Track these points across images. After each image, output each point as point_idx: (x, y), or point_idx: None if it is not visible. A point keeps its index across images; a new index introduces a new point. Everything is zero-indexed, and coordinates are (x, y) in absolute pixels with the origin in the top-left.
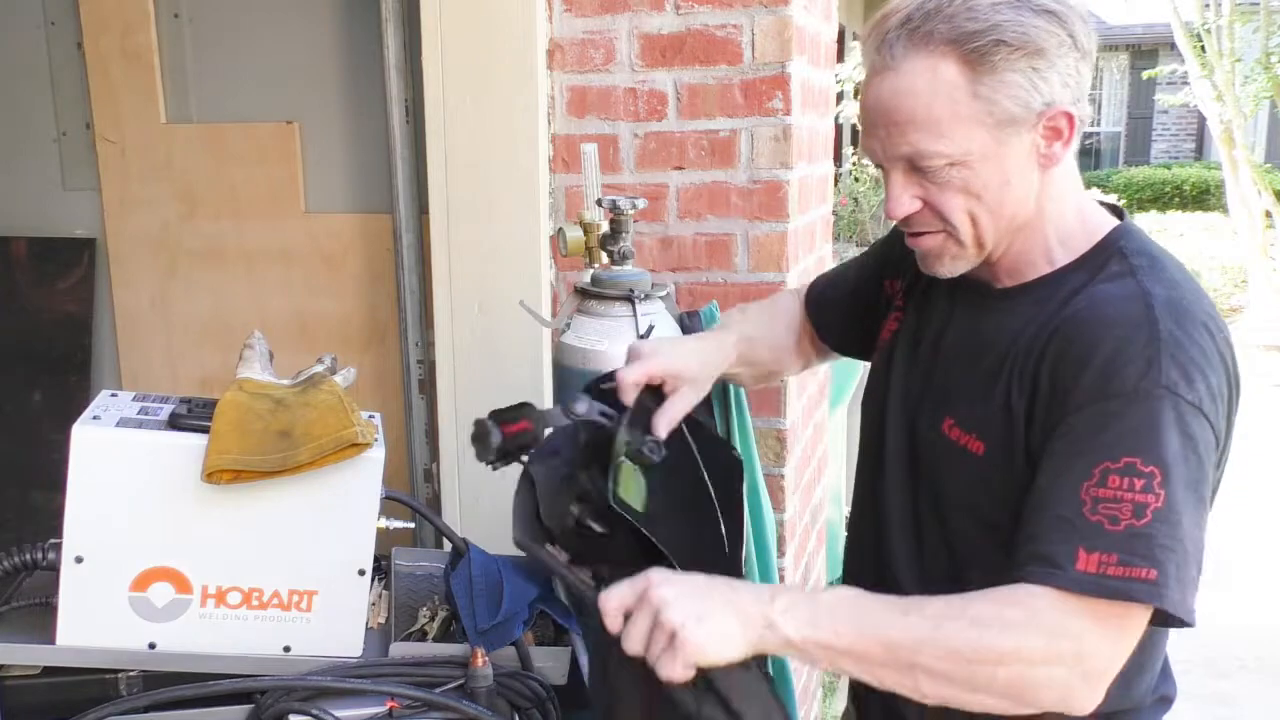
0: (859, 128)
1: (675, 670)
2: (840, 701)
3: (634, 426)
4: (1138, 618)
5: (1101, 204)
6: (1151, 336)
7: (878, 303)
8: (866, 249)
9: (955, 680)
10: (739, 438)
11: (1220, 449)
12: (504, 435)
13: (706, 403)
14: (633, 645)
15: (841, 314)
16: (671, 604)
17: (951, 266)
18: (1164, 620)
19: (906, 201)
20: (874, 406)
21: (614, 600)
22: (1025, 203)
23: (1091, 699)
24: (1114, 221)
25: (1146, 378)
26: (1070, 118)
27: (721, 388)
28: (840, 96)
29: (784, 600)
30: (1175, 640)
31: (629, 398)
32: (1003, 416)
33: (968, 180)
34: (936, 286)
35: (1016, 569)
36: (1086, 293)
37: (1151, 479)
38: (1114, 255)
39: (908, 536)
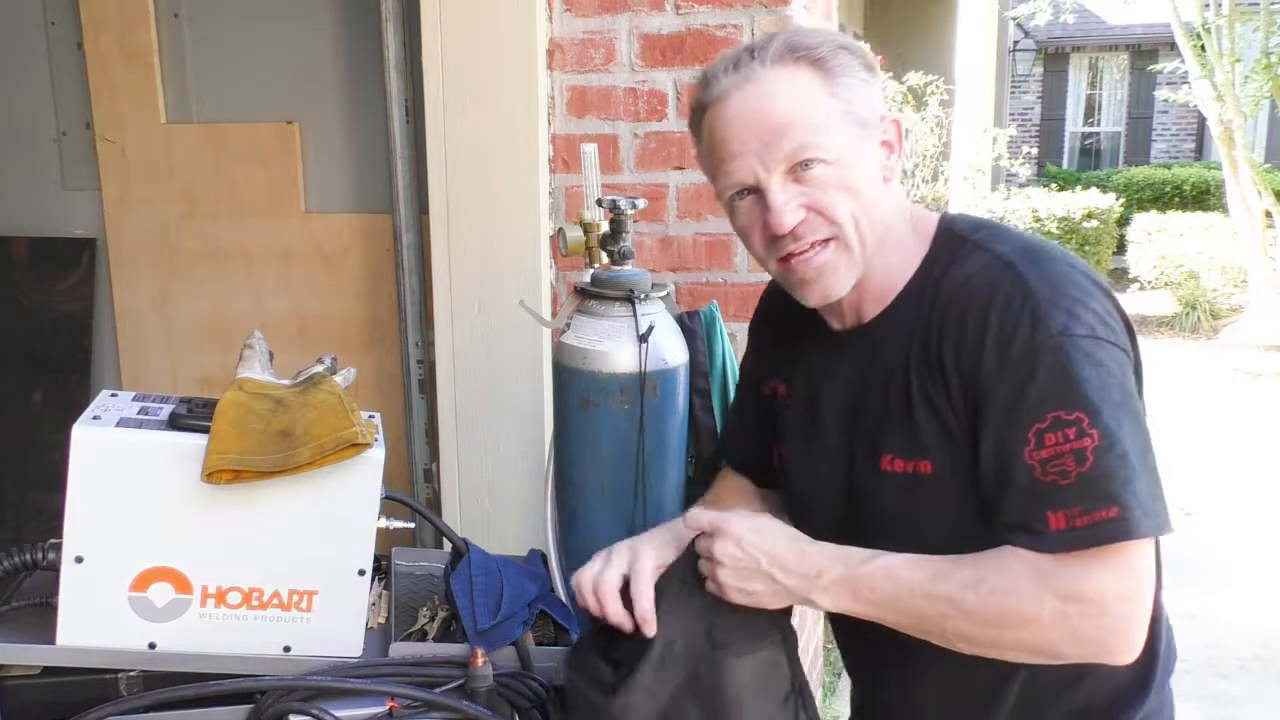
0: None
1: (712, 589)
2: (840, 702)
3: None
4: (1137, 553)
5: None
6: (1025, 292)
7: (771, 410)
8: (737, 384)
9: (986, 641)
10: None
11: (1133, 360)
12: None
13: (707, 404)
14: (700, 553)
15: (764, 452)
16: (724, 568)
17: (845, 279)
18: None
19: (793, 209)
20: (805, 480)
21: (691, 521)
22: (884, 211)
23: (1128, 648)
24: (935, 215)
25: (1039, 331)
26: (898, 126)
27: (722, 383)
28: None
29: (829, 578)
30: (1175, 640)
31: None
32: (934, 426)
33: (844, 177)
34: (810, 352)
35: (1002, 539)
36: (946, 281)
37: (1080, 423)
38: (955, 240)
39: None
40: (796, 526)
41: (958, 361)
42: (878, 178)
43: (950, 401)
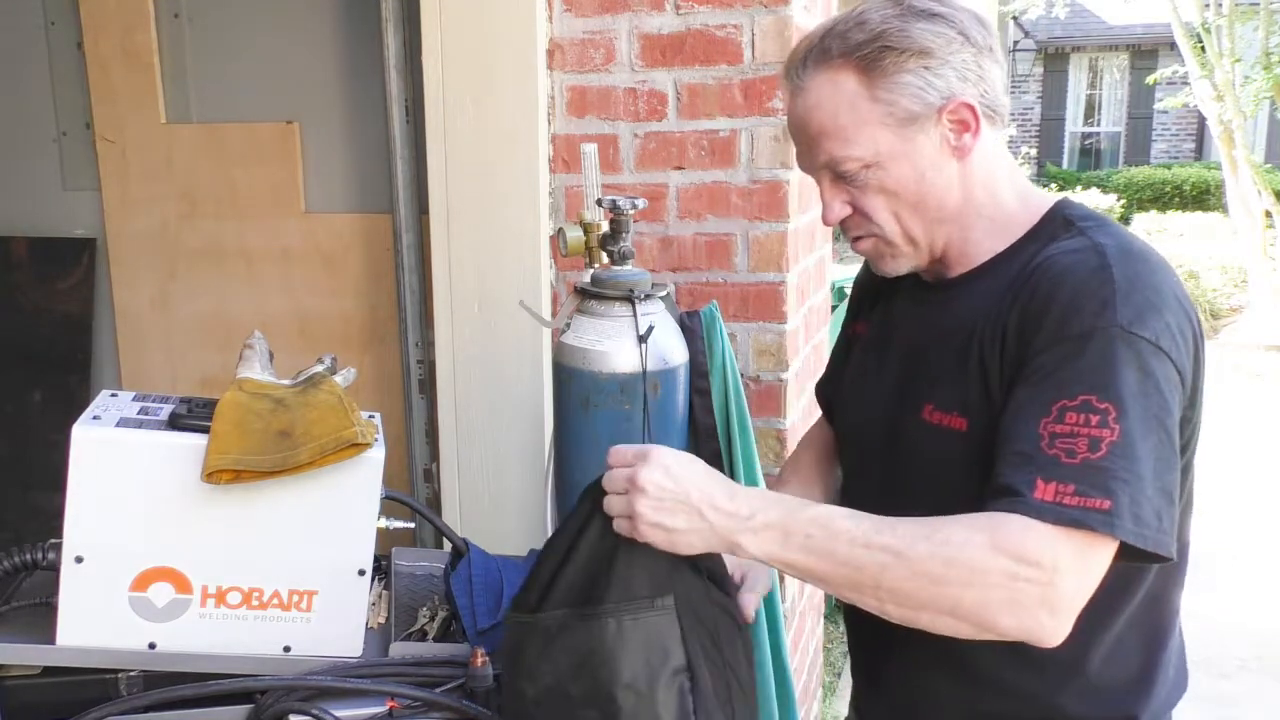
0: None
1: (622, 529)
2: (840, 702)
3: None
4: (1101, 550)
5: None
6: (1105, 279)
7: (852, 352)
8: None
9: (921, 599)
10: (739, 437)
11: (1188, 387)
12: None
13: (707, 404)
14: (609, 489)
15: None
16: (647, 497)
17: (894, 265)
18: (1131, 555)
19: (837, 208)
20: (856, 416)
21: (615, 455)
22: (948, 193)
23: (1057, 630)
24: (1055, 197)
25: (1101, 317)
26: (972, 109)
27: (722, 383)
28: None
29: (760, 521)
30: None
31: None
32: (979, 386)
33: (883, 180)
34: (893, 294)
35: (984, 502)
36: (1042, 255)
37: (1106, 414)
38: (1061, 222)
39: None
40: (843, 464)
41: (1020, 327)
42: (936, 164)
43: (1001, 364)
